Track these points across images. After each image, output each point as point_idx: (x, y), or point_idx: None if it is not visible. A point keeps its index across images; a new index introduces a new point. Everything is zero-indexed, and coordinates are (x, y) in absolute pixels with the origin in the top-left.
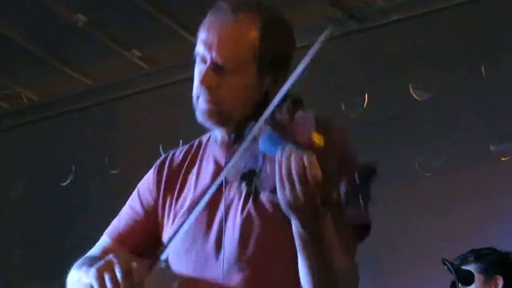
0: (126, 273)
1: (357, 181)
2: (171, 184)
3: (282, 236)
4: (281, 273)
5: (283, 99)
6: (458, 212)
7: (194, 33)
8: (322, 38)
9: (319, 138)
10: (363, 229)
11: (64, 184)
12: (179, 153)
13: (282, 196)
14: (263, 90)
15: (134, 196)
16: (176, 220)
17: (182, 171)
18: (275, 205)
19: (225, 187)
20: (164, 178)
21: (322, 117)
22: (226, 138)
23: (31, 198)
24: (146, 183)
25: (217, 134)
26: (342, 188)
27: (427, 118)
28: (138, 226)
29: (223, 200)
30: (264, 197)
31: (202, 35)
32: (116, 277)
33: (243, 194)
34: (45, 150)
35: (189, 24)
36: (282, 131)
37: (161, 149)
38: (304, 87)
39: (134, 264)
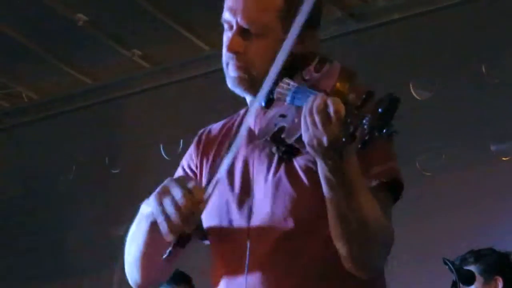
0: (185, 193)
1: (380, 118)
2: (208, 150)
3: (312, 201)
4: (311, 235)
5: (311, 59)
6: (459, 212)
7: (195, 32)
8: None
9: (342, 85)
10: (395, 190)
11: (64, 183)
12: (217, 124)
13: (306, 137)
14: (290, 52)
15: (178, 172)
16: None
17: (219, 139)
18: (308, 171)
19: (255, 150)
20: (202, 146)
21: (347, 68)
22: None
23: (31, 198)
24: (188, 156)
25: (249, 101)
26: (366, 126)
27: (427, 118)
28: None
29: (253, 164)
30: (297, 163)
31: (228, 2)
32: (175, 199)
33: (275, 159)
34: (46, 149)
35: (190, 24)
36: (310, 84)
37: (161, 149)
38: None
39: (192, 183)
